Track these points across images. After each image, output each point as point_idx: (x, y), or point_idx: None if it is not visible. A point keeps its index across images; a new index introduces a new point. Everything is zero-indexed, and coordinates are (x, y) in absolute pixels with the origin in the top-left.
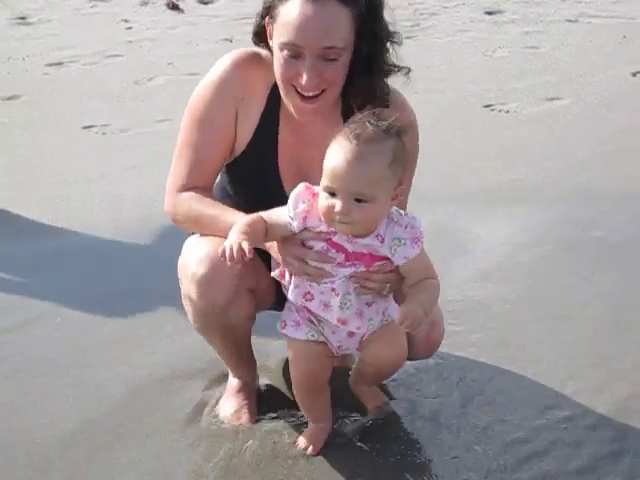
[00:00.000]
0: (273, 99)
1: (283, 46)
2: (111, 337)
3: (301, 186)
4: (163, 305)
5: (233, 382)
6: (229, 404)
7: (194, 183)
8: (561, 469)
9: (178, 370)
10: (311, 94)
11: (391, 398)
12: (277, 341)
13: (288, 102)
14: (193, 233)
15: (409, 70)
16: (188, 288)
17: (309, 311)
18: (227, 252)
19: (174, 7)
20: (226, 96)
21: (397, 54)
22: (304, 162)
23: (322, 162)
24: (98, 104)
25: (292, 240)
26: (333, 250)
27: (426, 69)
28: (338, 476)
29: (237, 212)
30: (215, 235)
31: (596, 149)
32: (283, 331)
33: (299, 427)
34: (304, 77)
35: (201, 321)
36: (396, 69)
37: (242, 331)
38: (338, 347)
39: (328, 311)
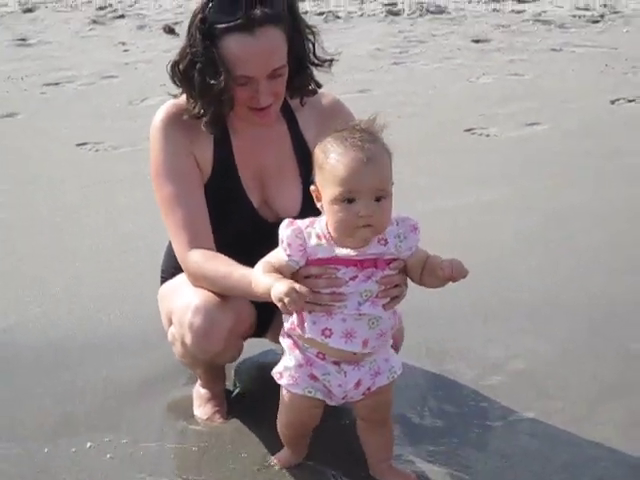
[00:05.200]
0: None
1: (235, 79)
2: (92, 342)
3: (285, 225)
4: (142, 312)
5: (201, 391)
6: (201, 412)
7: (195, 238)
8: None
9: (156, 373)
10: (264, 107)
11: None
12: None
13: (243, 117)
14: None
15: (332, 60)
16: (182, 334)
17: (310, 365)
18: (288, 304)
19: (170, 31)
20: (178, 145)
21: (319, 45)
22: (261, 166)
23: (277, 163)
24: (92, 123)
25: (295, 278)
26: (342, 267)
27: (411, 94)
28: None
29: (244, 267)
30: (229, 293)
31: (570, 172)
32: (279, 382)
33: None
34: (260, 99)
35: (188, 360)
36: (324, 61)
37: (224, 365)
38: (343, 398)
39: (350, 340)
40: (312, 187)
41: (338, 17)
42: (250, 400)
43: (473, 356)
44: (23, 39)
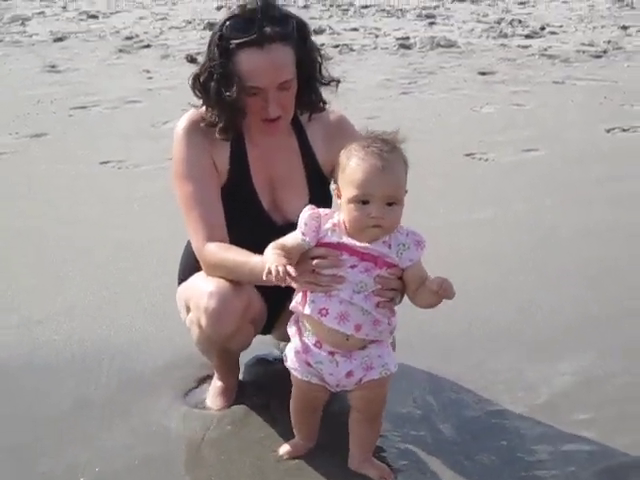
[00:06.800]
0: (235, 133)
1: (246, 89)
2: (109, 335)
3: (307, 209)
4: (157, 302)
5: (217, 383)
6: (213, 403)
7: (212, 232)
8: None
9: (171, 362)
10: (273, 118)
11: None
12: (259, 346)
13: (255, 127)
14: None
15: (339, 81)
16: (198, 317)
17: (306, 352)
18: (274, 272)
19: (192, 60)
20: (199, 149)
21: (327, 67)
22: (273, 173)
23: (287, 171)
24: (116, 143)
25: (303, 258)
26: (345, 254)
27: (416, 121)
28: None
29: (257, 255)
30: (243, 279)
31: (560, 196)
32: (285, 364)
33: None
34: (269, 109)
35: (205, 344)
36: (330, 81)
37: (238, 353)
38: (336, 386)
39: (344, 322)
40: (333, 186)
41: (352, 50)
42: (254, 390)
43: (456, 357)
44: (53, 66)
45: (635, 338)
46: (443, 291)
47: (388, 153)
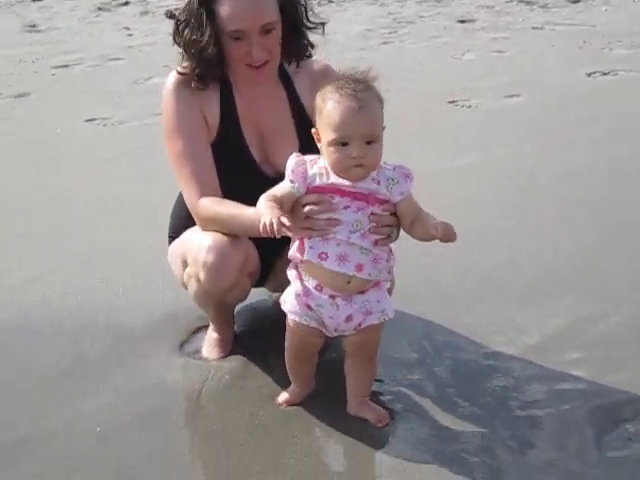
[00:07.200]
0: (224, 86)
1: (230, 34)
2: (103, 293)
3: (292, 156)
4: (146, 258)
5: (213, 335)
6: (209, 354)
7: (204, 187)
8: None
9: (165, 315)
10: (259, 64)
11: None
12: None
13: (242, 75)
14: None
15: (324, 23)
16: (197, 272)
17: (307, 296)
18: (269, 226)
19: (171, 16)
20: (188, 103)
21: (313, 11)
22: (263, 124)
23: (276, 121)
24: (100, 100)
25: (296, 206)
26: (337, 196)
27: (399, 70)
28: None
29: (251, 207)
30: (238, 232)
31: (540, 141)
32: (283, 307)
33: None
34: (253, 52)
35: (203, 298)
36: (316, 25)
37: (234, 306)
38: (335, 330)
39: (344, 263)
40: (313, 130)
41: (331, 1)
42: (249, 340)
43: (445, 303)
44: (33, 25)
45: (614, 279)
46: (445, 238)
47: (362, 92)
